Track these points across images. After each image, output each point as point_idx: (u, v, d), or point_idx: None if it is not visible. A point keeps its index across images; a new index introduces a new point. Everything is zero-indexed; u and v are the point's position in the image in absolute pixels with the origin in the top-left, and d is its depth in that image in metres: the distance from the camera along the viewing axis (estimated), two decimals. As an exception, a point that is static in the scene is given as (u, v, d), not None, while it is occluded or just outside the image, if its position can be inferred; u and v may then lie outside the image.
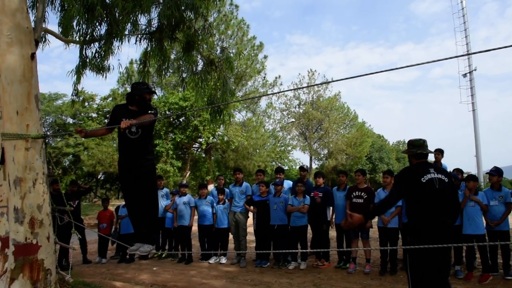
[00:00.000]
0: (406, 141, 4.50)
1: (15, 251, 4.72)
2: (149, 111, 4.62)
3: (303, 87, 39.04)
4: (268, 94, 34.69)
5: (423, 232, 3.95)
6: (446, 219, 3.98)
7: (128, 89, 27.73)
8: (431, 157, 8.23)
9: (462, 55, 5.20)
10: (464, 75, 24.75)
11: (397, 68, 3.18)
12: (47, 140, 5.41)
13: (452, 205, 4.10)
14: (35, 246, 4.78)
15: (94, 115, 33.97)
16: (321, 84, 36.19)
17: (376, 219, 7.40)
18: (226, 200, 8.97)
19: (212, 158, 31.80)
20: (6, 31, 4.67)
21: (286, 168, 40.69)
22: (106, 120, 31.53)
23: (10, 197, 4.80)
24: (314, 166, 40.23)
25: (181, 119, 26.61)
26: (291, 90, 26.79)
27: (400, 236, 7.35)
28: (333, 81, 5.90)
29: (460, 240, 6.55)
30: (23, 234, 4.71)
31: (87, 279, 6.51)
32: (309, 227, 8.23)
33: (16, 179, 4.72)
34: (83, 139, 30.09)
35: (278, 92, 37.20)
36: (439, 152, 8.45)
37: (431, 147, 4.47)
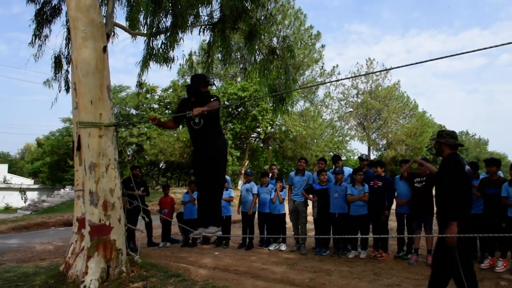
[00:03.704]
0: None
1: (91, 231, 5.07)
2: (212, 99, 4.76)
3: (361, 75, 38.21)
4: (327, 82, 34.33)
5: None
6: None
7: (188, 81, 28.42)
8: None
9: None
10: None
11: (457, 54, 3.10)
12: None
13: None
14: (108, 227, 5.11)
15: (155, 106, 35.05)
16: (379, 72, 35.32)
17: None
18: (285, 187, 9.00)
19: (270, 147, 32.00)
20: (82, 26, 4.98)
21: (344, 158, 40.11)
22: (167, 111, 32.51)
23: (86, 181, 5.15)
24: (372, 156, 39.41)
25: (239, 109, 26.95)
26: (349, 78, 26.35)
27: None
28: (391, 68, 5.81)
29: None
30: (98, 216, 5.05)
31: (153, 260, 6.82)
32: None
33: (91, 165, 5.06)
34: (145, 129, 31.28)
35: (337, 80, 36.68)
36: None
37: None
